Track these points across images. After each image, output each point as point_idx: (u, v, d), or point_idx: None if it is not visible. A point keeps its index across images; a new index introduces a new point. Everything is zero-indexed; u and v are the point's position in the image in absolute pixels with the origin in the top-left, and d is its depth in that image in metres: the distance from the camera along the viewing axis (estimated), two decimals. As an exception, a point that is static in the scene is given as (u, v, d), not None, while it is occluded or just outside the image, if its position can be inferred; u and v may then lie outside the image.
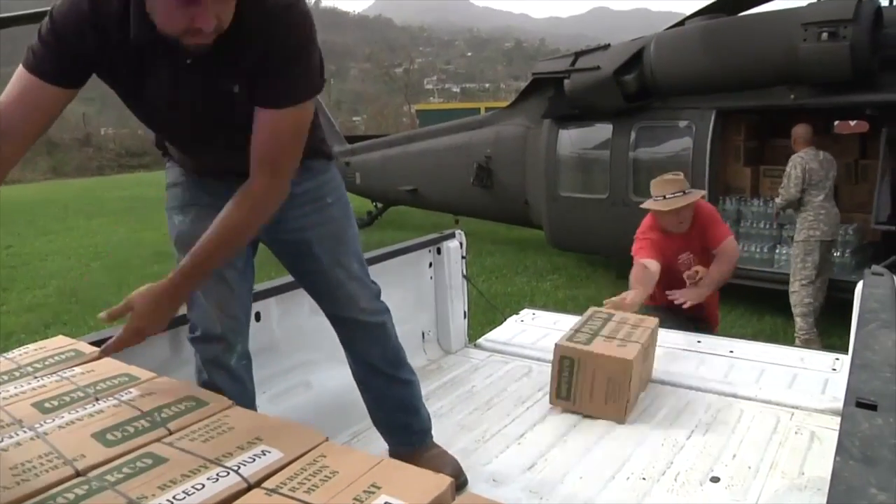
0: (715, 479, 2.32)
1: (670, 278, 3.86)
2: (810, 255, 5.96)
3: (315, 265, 2.19)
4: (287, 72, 1.74)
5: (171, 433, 1.40)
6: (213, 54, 1.68)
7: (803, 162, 5.93)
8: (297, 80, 1.77)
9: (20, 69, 1.66)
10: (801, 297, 6.01)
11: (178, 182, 2.21)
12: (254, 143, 1.78)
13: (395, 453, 2.38)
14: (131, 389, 1.59)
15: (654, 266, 3.71)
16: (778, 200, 6.23)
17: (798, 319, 6.04)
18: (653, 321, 3.14)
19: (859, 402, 1.48)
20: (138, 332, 1.80)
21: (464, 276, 3.65)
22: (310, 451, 1.32)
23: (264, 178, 1.78)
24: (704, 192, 4.17)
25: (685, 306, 3.73)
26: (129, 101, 1.85)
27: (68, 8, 1.64)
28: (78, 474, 1.23)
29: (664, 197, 3.81)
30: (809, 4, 6.72)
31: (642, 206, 4.00)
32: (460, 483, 2.28)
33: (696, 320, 3.96)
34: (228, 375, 2.13)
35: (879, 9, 6.26)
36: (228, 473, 1.24)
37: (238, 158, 1.82)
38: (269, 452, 1.32)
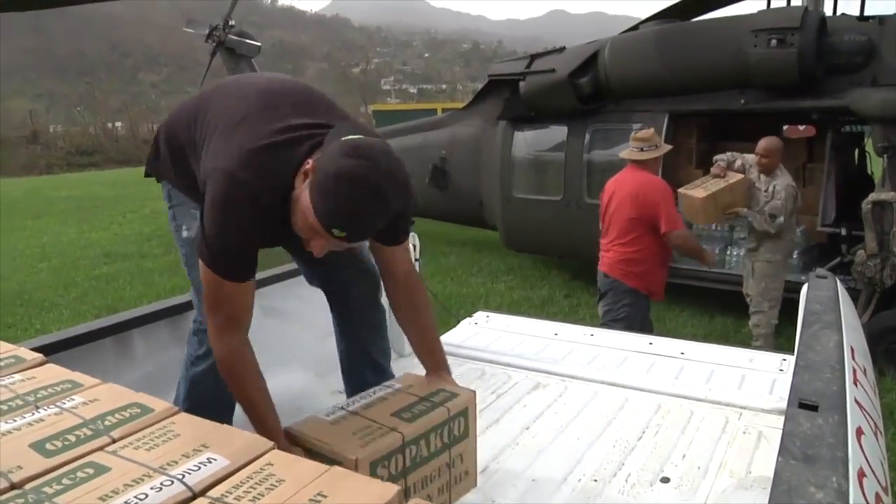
0: (665, 480, 2.35)
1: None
2: (778, 276, 5.56)
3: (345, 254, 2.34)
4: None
5: (114, 441, 1.37)
6: None
7: (795, 191, 5.38)
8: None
9: (236, 287, 1.87)
10: (768, 318, 5.63)
11: None
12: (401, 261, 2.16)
13: None
14: (74, 396, 1.55)
15: None
16: (769, 228, 5.37)
17: (761, 340, 5.63)
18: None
19: (801, 403, 1.51)
20: None
21: (417, 279, 3.64)
22: (257, 458, 1.30)
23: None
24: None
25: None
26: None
27: (240, 222, 1.81)
28: (13, 487, 1.20)
29: (656, 146, 4.68)
30: (759, 12, 6.87)
31: (649, 156, 4.69)
32: None
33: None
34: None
35: (824, 18, 6.44)
36: (173, 482, 1.22)
37: None
38: (215, 460, 1.29)
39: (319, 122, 1.90)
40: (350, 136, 1.74)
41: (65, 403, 1.51)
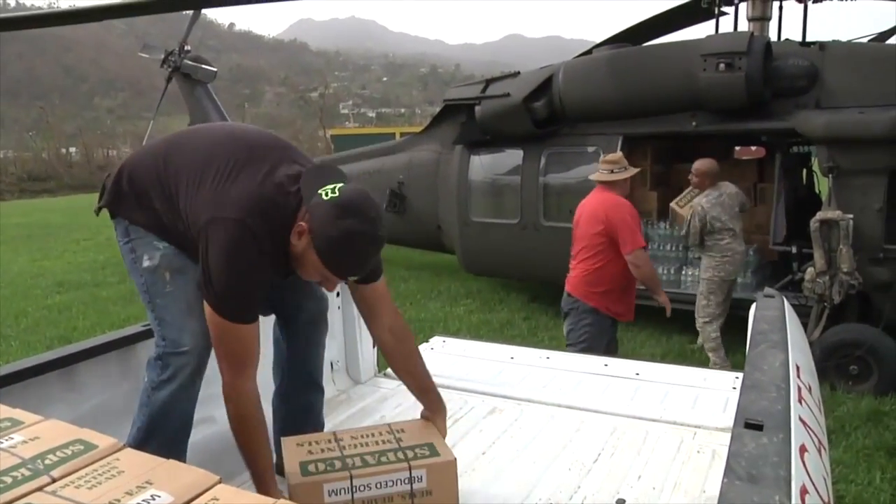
0: (621, 501, 2.36)
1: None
2: (714, 294, 6.01)
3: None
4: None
5: (54, 481, 1.33)
6: None
7: (703, 212, 5.87)
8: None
9: (243, 329, 2.04)
10: (707, 332, 6.07)
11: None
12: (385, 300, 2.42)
13: None
14: (13, 435, 1.50)
15: None
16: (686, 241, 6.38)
17: (710, 355, 6.07)
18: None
19: (747, 423, 1.54)
20: None
21: (373, 305, 3.62)
22: (202, 493, 1.28)
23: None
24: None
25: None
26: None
27: (248, 267, 2.01)
28: (-55, 532, 1.16)
29: (625, 168, 4.73)
30: (707, 37, 7.04)
31: (618, 178, 4.74)
32: None
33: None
34: (190, 394, 2.26)
35: (769, 43, 6.62)
36: (114, 522, 1.19)
37: None
38: (159, 497, 1.27)
39: (293, 168, 2.13)
40: (327, 188, 1.98)
41: (2, 443, 1.46)
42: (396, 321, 2.43)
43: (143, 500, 1.26)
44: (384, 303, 2.40)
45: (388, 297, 2.42)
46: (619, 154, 5.00)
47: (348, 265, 2.02)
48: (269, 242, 2.01)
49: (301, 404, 2.64)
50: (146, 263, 2.21)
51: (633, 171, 4.83)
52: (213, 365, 2.48)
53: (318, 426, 2.67)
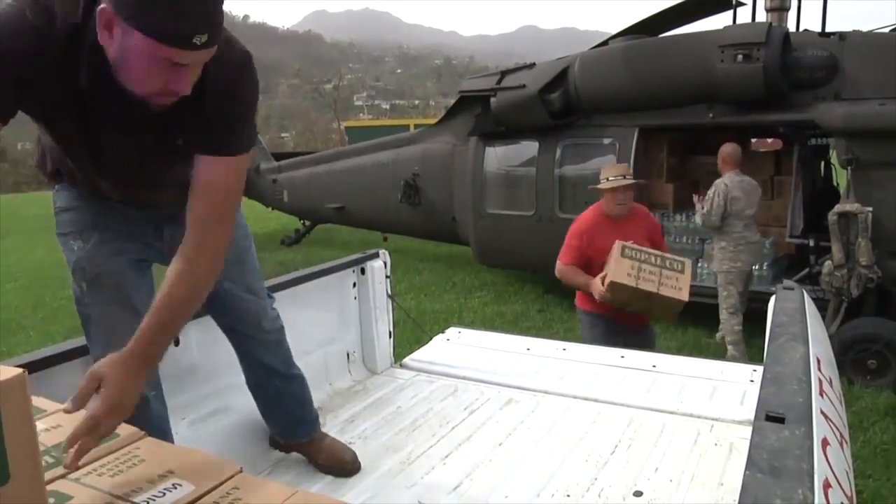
0: (638, 494, 2.35)
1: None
2: (732, 285, 5.95)
3: (221, 288, 2.18)
4: (242, 124, 1.81)
5: (77, 468, 1.34)
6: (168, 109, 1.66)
7: (727, 190, 5.81)
8: (249, 131, 1.85)
9: None
10: (730, 325, 6.01)
11: (73, 206, 2.10)
12: (206, 193, 1.76)
13: (292, 445, 2.62)
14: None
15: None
16: (697, 220, 6.17)
17: (730, 347, 6.03)
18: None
19: (768, 416, 1.53)
20: (115, 407, 1.51)
21: (388, 296, 3.64)
22: (222, 483, 1.29)
23: (222, 226, 1.80)
24: (642, 182, 4.78)
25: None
26: (60, 137, 1.84)
27: (11, 41, 1.52)
28: (-30, 518, 1.16)
29: (607, 179, 4.21)
30: (725, 27, 6.98)
31: (590, 187, 4.46)
32: (354, 468, 2.52)
33: (633, 331, 4.22)
34: (142, 405, 2.08)
35: (787, 34, 6.55)
36: (136, 510, 1.18)
37: (165, 193, 2.00)
38: (181, 486, 1.28)
39: None
40: None
41: None
42: (208, 221, 1.77)
43: (165, 489, 1.27)
44: (204, 195, 1.76)
45: (218, 192, 1.78)
46: (611, 164, 4.73)
47: (171, 9, 1.42)
48: (48, 22, 1.53)
49: (270, 393, 2.53)
50: (69, 267, 2.06)
51: (607, 184, 4.19)
52: (224, 356, 2.51)
53: (298, 411, 2.57)
